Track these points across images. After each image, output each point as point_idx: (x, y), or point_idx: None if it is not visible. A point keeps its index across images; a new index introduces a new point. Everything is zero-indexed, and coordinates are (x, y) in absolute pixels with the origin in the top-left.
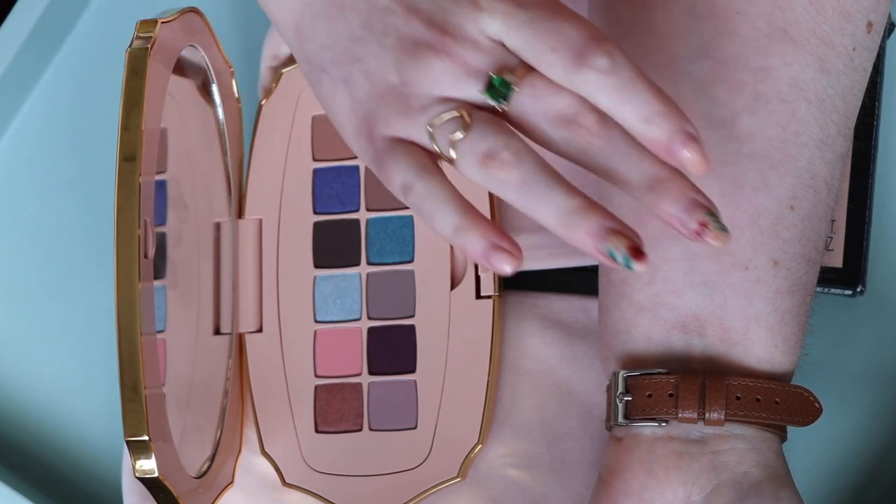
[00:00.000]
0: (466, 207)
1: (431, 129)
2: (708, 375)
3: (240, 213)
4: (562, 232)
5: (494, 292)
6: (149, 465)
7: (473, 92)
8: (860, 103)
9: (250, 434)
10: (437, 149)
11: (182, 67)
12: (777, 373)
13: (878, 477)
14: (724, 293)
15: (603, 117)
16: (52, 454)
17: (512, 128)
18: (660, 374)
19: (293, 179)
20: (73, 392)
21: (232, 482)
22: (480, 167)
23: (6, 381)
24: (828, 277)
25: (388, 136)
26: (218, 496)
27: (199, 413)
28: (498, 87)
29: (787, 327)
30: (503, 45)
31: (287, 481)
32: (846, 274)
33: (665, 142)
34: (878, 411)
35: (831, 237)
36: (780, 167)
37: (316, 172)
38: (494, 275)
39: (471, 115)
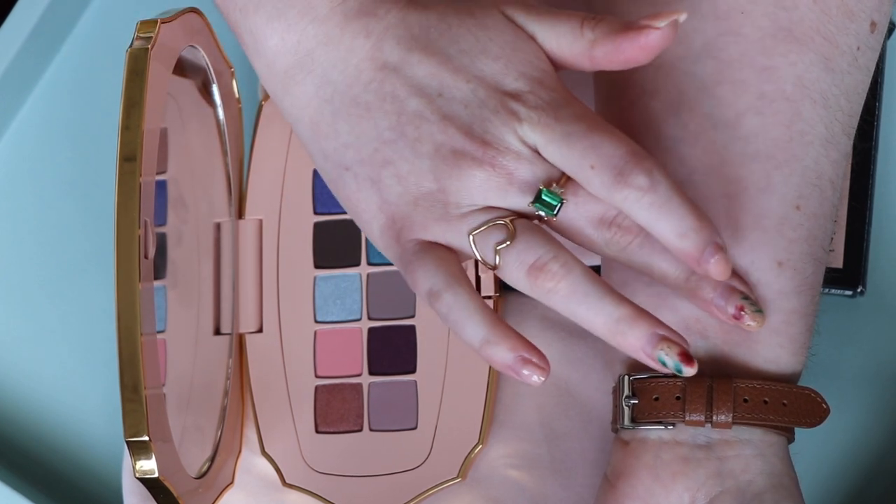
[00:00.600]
0: (495, 320)
1: (473, 237)
2: (715, 378)
3: (240, 214)
4: (612, 339)
5: (494, 293)
6: (149, 465)
7: (519, 202)
8: (863, 102)
9: (250, 434)
10: (479, 256)
11: (182, 67)
12: (785, 373)
13: (878, 477)
14: None
15: None
16: (52, 454)
17: (553, 234)
18: (666, 376)
19: (293, 179)
20: (73, 392)
21: (232, 482)
22: (528, 277)
23: (6, 381)
24: (828, 278)
25: (418, 239)
26: (218, 496)
27: (199, 413)
28: (547, 200)
29: (793, 327)
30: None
31: (287, 482)
32: (846, 274)
33: (696, 255)
34: (878, 411)
35: (832, 237)
36: (786, 167)
37: (316, 173)
38: (495, 275)
39: (514, 223)
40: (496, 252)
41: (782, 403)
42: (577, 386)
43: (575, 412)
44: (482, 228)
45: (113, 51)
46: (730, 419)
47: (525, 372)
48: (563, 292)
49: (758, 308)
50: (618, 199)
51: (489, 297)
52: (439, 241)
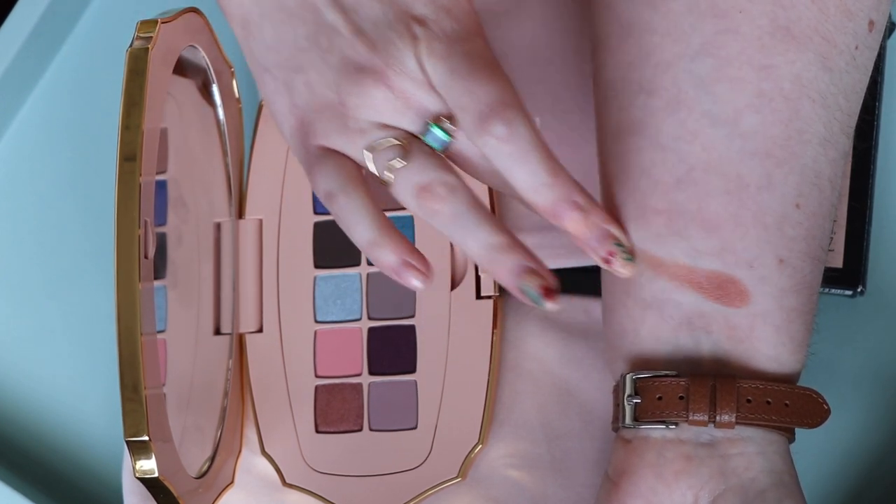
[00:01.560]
0: (384, 223)
1: (369, 153)
2: (718, 378)
3: (240, 214)
4: (484, 264)
5: (494, 293)
6: (149, 465)
7: (414, 126)
8: (861, 102)
9: (250, 434)
10: (374, 170)
11: (182, 67)
12: (785, 373)
13: (878, 477)
14: None
15: None
16: (52, 454)
17: (446, 160)
18: (670, 376)
19: (293, 179)
20: (73, 392)
21: (232, 482)
22: (416, 197)
23: (7, 380)
24: (828, 277)
25: (322, 145)
26: (218, 496)
27: (199, 413)
28: (436, 135)
29: (794, 325)
30: None
31: (287, 481)
32: (846, 274)
33: (549, 210)
34: (878, 411)
35: (832, 237)
36: (785, 165)
37: None
38: None
39: (409, 144)
40: (389, 169)
41: (784, 404)
42: (577, 386)
43: (575, 412)
44: (378, 146)
45: (113, 51)
46: (733, 419)
47: (406, 274)
48: (446, 214)
49: (629, 256)
50: (479, 144)
51: (489, 297)
52: (339, 150)
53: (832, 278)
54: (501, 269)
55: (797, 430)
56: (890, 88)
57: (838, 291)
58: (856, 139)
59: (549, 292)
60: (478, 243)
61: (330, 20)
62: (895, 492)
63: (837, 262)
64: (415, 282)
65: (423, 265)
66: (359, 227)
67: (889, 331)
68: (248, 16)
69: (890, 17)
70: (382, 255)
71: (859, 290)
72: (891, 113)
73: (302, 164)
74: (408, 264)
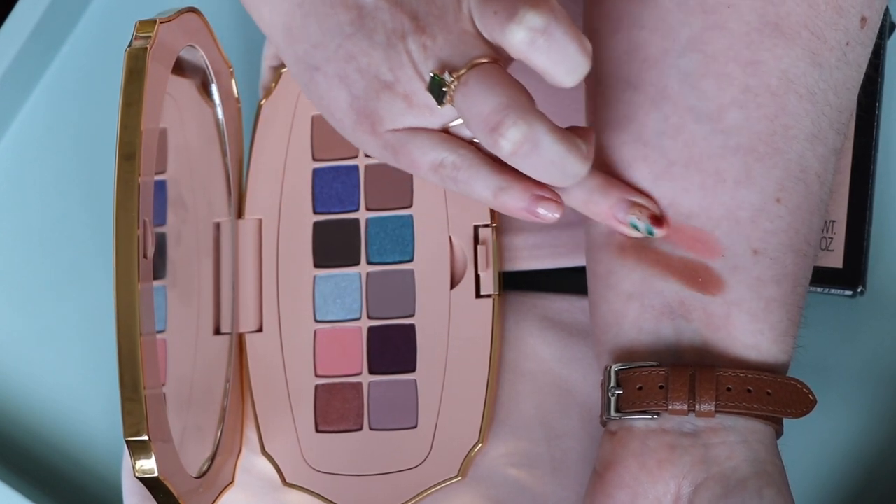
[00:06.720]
0: (503, 168)
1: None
2: (698, 367)
3: (240, 213)
4: (586, 209)
5: (494, 291)
6: (149, 465)
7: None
8: (855, 99)
9: (251, 434)
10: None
11: (181, 67)
12: (767, 362)
13: (878, 477)
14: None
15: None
16: (52, 454)
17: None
18: (650, 366)
19: (293, 179)
20: (73, 392)
21: (232, 482)
22: (487, 133)
23: (7, 380)
24: (828, 277)
25: (394, 129)
26: (218, 496)
27: (199, 413)
28: (435, 87)
29: (773, 315)
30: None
31: (287, 481)
32: (846, 274)
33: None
34: (878, 411)
35: (832, 237)
36: (768, 160)
37: (316, 172)
38: (494, 274)
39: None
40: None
41: (766, 393)
42: (577, 385)
43: (574, 411)
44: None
45: (113, 51)
46: (712, 408)
47: (541, 211)
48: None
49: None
50: (493, 148)
51: (489, 296)
52: (417, 126)
53: (832, 278)
54: (605, 209)
55: (798, 432)
56: (890, 88)
57: (838, 291)
58: (855, 137)
59: (657, 220)
60: (578, 189)
61: (373, 1)
62: (895, 492)
63: (837, 262)
64: (551, 213)
65: (553, 194)
66: (479, 179)
67: (889, 331)
68: (289, 20)
69: (890, 17)
70: (511, 198)
71: (859, 290)
72: (891, 113)
73: (379, 156)
74: (540, 197)
